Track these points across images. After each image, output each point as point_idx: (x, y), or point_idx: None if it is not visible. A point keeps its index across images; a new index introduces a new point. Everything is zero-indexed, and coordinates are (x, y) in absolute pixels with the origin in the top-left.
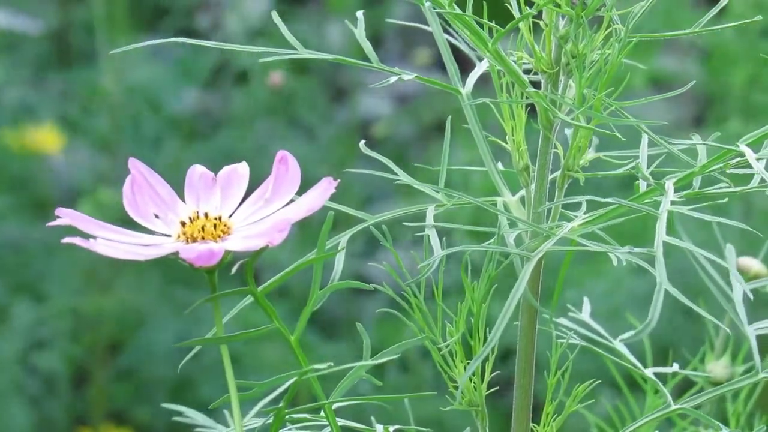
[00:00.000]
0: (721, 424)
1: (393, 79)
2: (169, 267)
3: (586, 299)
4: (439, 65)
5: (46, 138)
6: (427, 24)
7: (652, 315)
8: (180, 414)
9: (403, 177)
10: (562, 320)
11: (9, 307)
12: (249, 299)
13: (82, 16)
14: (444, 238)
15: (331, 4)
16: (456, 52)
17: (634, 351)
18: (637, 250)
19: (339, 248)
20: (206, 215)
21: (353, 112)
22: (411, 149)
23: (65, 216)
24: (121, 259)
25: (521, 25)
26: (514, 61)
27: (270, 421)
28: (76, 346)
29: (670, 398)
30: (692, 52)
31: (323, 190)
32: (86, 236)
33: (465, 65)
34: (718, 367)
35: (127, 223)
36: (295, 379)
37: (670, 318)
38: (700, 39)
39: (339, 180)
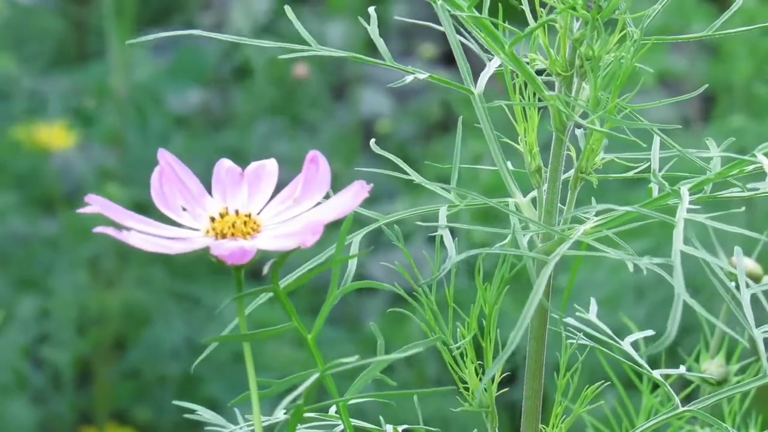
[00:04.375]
0: (729, 427)
1: (409, 78)
2: (173, 262)
3: (593, 300)
4: (444, 60)
5: (54, 134)
6: (431, 21)
7: (670, 328)
8: (190, 411)
9: (415, 177)
10: (569, 319)
11: (14, 302)
12: (263, 297)
13: (86, 12)
14: (456, 238)
15: (332, 2)
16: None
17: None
18: (656, 260)
19: (352, 248)
20: (237, 212)
21: (355, 110)
22: (413, 145)
23: (95, 203)
24: (132, 254)
25: None
26: (527, 63)
27: (275, 420)
28: (82, 342)
29: (678, 401)
30: (700, 48)
31: (355, 194)
32: (116, 225)
33: (471, 60)
34: (713, 365)
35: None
36: (316, 376)
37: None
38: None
39: (372, 185)
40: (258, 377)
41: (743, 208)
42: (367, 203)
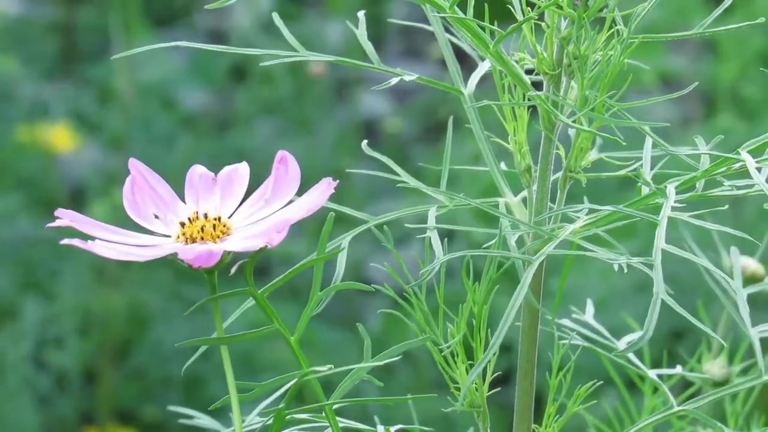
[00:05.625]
0: (723, 426)
1: (395, 80)
2: (179, 265)
3: (589, 301)
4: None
5: (58, 136)
6: (428, 23)
7: (647, 327)
8: (187, 417)
9: (405, 177)
10: (563, 320)
11: (19, 304)
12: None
13: (89, 13)
14: (446, 239)
15: (332, 3)
16: (457, 48)
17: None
18: (636, 259)
19: (340, 249)
20: (206, 216)
21: (354, 110)
22: (415, 146)
23: (65, 217)
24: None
25: (523, 26)
26: (516, 62)
27: (270, 422)
28: (86, 344)
29: (673, 400)
30: (703, 49)
31: (323, 191)
32: (86, 237)
33: (468, 61)
34: (715, 366)
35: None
36: (295, 380)
37: (670, 313)
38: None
39: (339, 181)
40: (262, 376)
41: (726, 206)
42: (369, 201)
